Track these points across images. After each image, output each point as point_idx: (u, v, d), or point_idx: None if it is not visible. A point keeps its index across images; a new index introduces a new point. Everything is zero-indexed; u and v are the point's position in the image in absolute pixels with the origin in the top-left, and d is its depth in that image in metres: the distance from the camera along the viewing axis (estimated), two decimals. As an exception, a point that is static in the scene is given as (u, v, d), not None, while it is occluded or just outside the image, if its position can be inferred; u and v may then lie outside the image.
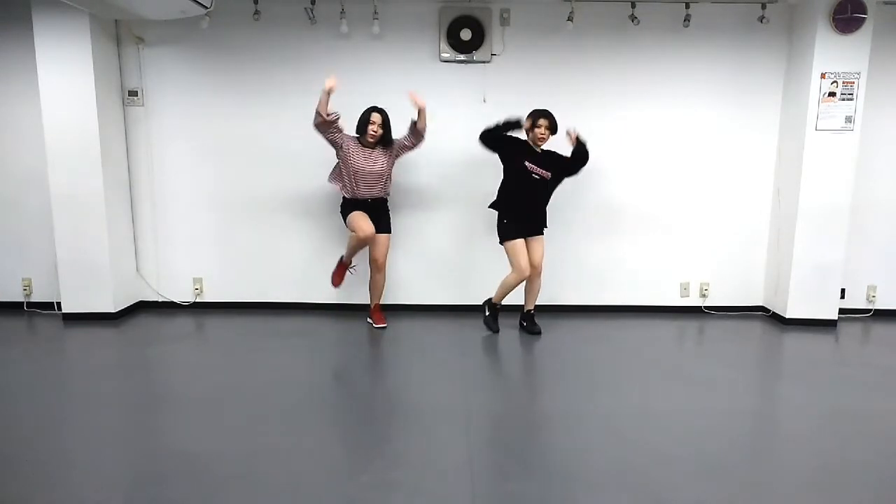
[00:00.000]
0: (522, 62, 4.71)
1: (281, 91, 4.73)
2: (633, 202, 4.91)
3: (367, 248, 4.39)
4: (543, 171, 4.23)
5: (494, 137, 4.21)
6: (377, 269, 4.46)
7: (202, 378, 3.62)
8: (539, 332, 4.40)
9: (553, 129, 4.20)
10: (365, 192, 4.27)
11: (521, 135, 4.29)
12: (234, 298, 5.01)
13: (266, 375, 3.62)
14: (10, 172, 4.82)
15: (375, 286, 4.54)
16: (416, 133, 4.29)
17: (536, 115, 4.18)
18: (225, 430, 2.88)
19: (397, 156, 4.37)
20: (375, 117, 4.19)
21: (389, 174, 4.36)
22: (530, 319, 4.48)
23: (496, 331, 4.45)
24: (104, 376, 3.59)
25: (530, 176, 4.20)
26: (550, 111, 4.19)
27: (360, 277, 4.63)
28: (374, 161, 4.24)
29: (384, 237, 4.39)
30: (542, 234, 4.37)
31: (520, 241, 4.23)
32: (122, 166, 4.77)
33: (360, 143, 4.25)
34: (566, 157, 4.33)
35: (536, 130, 4.17)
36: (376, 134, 4.19)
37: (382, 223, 4.37)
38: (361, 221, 4.24)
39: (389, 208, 4.49)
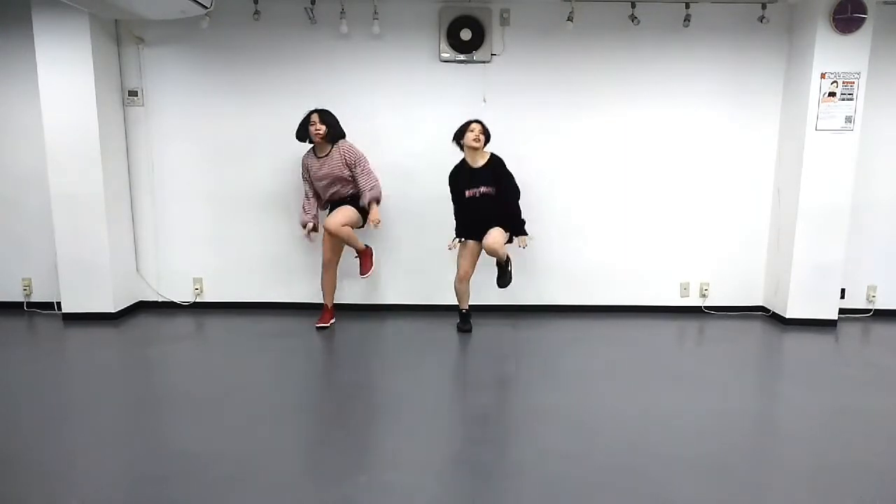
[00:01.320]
0: (522, 62, 4.71)
1: (281, 91, 4.73)
2: (633, 202, 4.90)
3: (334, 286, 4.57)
4: (483, 189, 4.19)
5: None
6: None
7: (202, 378, 3.62)
8: (505, 278, 4.32)
9: (486, 133, 4.20)
10: (329, 195, 4.38)
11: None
12: (234, 298, 5.01)
13: (266, 375, 3.62)
14: (10, 172, 4.83)
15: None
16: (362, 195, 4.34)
17: (468, 122, 4.21)
18: (225, 430, 2.88)
19: (352, 171, 4.32)
20: (314, 118, 4.25)
21: (349, 181, 4.34)
22: (501, 270, 4.36)
23: (468, 331, 4.44)
24: (104, 376, 3.59)
25: (473, 199, 4.21)
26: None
27: (354, 277, 4.62)
28: (328, 166, 4.29)
29: (343, 208, 4.33)
30: (502, 227, 4.22)
31: (467, 243, 4.30)
32: (122, 166, 4.77)
33: (314, 153, 4.35)
34: (501, 177, 4.21)
35: (469, 135, 4.16)
36: (319, 132, 4.23)
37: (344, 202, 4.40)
38: (324, 245, 4.41)
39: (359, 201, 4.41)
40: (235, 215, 4.90)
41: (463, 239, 4.31)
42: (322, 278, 4.51)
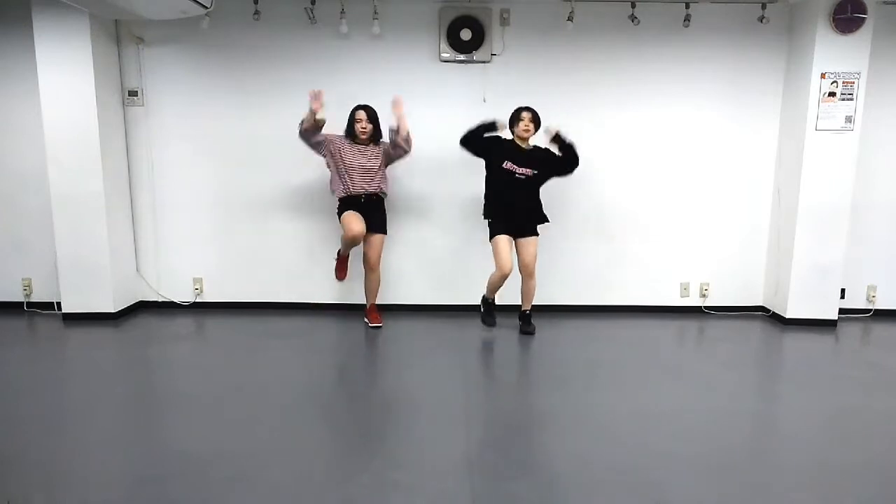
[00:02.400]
0: (522, 62, 4.71)
1: (281, 91, 4.72)
2: (633, 202, 4.91)
3: (360, 246, 4.40)
4: (526, 170, 4.20)
5: (475, 140, 4.21)
6: (370, 268, 4.47)
7: (202, 378, 3.62)
8: (532, 332, 4.40)
9: (536, 122, 4.21)
10: (359, 187, 4.27)
11: (507, 134, 4.29)
12: (234, 298, 5.01)
13: (266, 375, 3.62)
14: (10, 172, 4.82)
15: (370, 286, 4.56)
16: (398, 145, 4.30)
17: (519, 109, 4.21)
18: (225, 430, 2.88)
19: (389, 158, 4.36)
20: (360, 115, 4.23)
21: (384, 171, 4.37)
22: (525, 319, 4.48)
23: (492, 324, 4.45)
24: (104, 376, 3.59)
25: (513, 176, 4.19)
26: (532, 107, 4.21)
27: (356, 277, 4.63)
28: (365, 157, 4.27)
29: (377, 237, 4.39)
30: (535, 234, 4.33)
31: (503, 238, 4.23)
32: (122, 166, 4.77)
33: (352, 141, 4.29)
34: (556, 157, 4.30)
35: (520, 124, 4.17)
36: (366, 130, 4.22)
37: (376, 223, 4.38)
38: (351, 220, 4.25)
39: (386, 208, 4.49)
40: (235, 215, 4.90)
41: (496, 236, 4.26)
42: (345, 249, 4.41)
